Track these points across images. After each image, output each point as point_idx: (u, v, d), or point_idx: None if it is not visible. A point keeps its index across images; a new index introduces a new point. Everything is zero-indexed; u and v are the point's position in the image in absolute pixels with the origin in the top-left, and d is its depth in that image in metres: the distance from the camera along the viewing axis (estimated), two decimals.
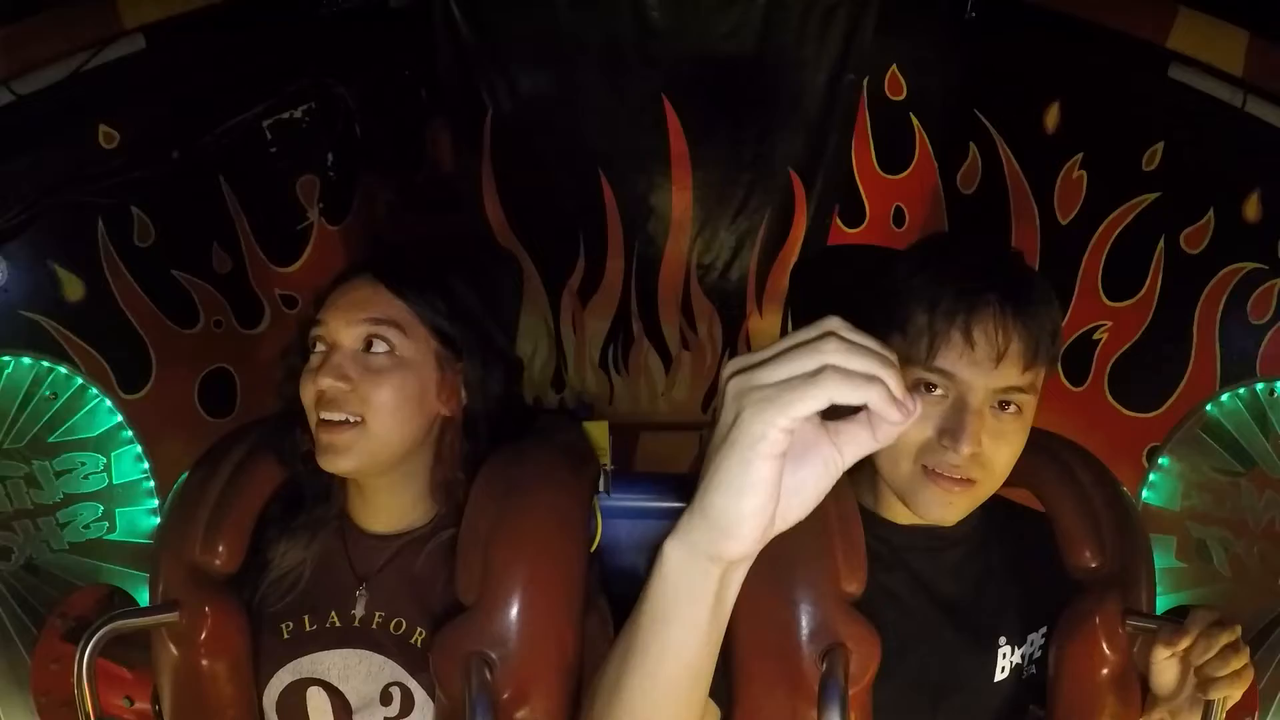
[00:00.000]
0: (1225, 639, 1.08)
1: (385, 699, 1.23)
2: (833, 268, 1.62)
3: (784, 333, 2.55)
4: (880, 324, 1.16)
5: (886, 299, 1.15)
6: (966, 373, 1.10)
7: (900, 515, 1.26)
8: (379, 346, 1.22)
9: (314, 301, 1.28)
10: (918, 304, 1.12)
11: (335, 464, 1.21)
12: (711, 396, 2.67)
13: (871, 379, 0.63)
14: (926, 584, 1.25)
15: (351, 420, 1.20)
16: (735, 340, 2.64)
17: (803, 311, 1.52)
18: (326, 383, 1.19)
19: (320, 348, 1.23)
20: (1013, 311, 1.10)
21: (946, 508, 1.16)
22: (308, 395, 1.21)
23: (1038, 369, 1.13)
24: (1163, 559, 1.83)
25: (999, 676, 1.25)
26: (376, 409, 1.21)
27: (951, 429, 1.11)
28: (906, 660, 1.17)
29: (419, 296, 1.26)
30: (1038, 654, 1.27)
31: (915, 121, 2.32)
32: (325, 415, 1.20)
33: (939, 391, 1.12)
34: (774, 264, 2.55)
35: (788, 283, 2.34)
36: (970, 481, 1.15)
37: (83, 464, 1.78)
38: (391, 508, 1.30)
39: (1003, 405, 1.13)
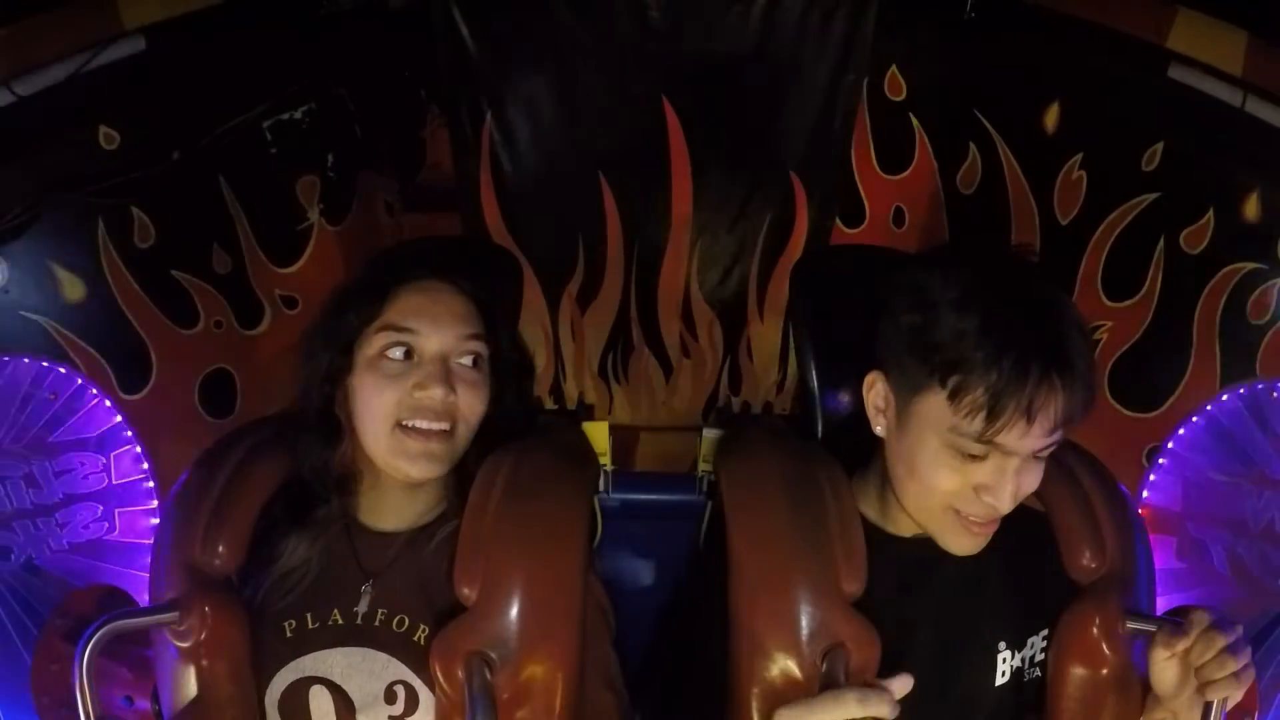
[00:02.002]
0: (1224, 641, 1.08)
1: (389, 697, 1.23)
2: (833, 269, 1.62)
3: (784, 340, 2.56)
4: (913, 368, 1.13)
5: (927, 348, 1.10)
6: (1017, 444, 1.10)
7: (904, 528, 1.26)
8: (478, 362, 1.28)
9: (368, 297, 1.28)
10: (975, 377, 1.06)
11: (425, 471, 1.25)
12: (712, 404, 2.66)
13: None
14: (926, 590, 1.25)
15: (447, 429, 1.24)
16: (736, 347, 2.63)
17: (804, 315, 1.52)
18: (440, 393, 1.22)
19: (415, 358, 1.25)
20: (1065, 383, 1.07)
21: (975, 544, 1.18)
22: (389, 400, 1.23)
23: None
24: (1163, 559, 1.82)
25: (999, 681, 1.25)
26: (467, 419, 1.26)
27: (993, 486, 1.11)
28: (906, 665, 1.17)
29: (492, 308, 1.32)
30: (1039, 656, 1.27)
31: (915, 122, 2.32)
32: (422, 423, 1.23)
33: (978, 453, 1.11)
34: (775, 268, 2.54)
35: (788, 287, 2.34)
36: (999, 518, 1.16)
37: (83, 464, 1.78)
38: (408, 506, 1.32)
39: (1038, 457, 1.14)
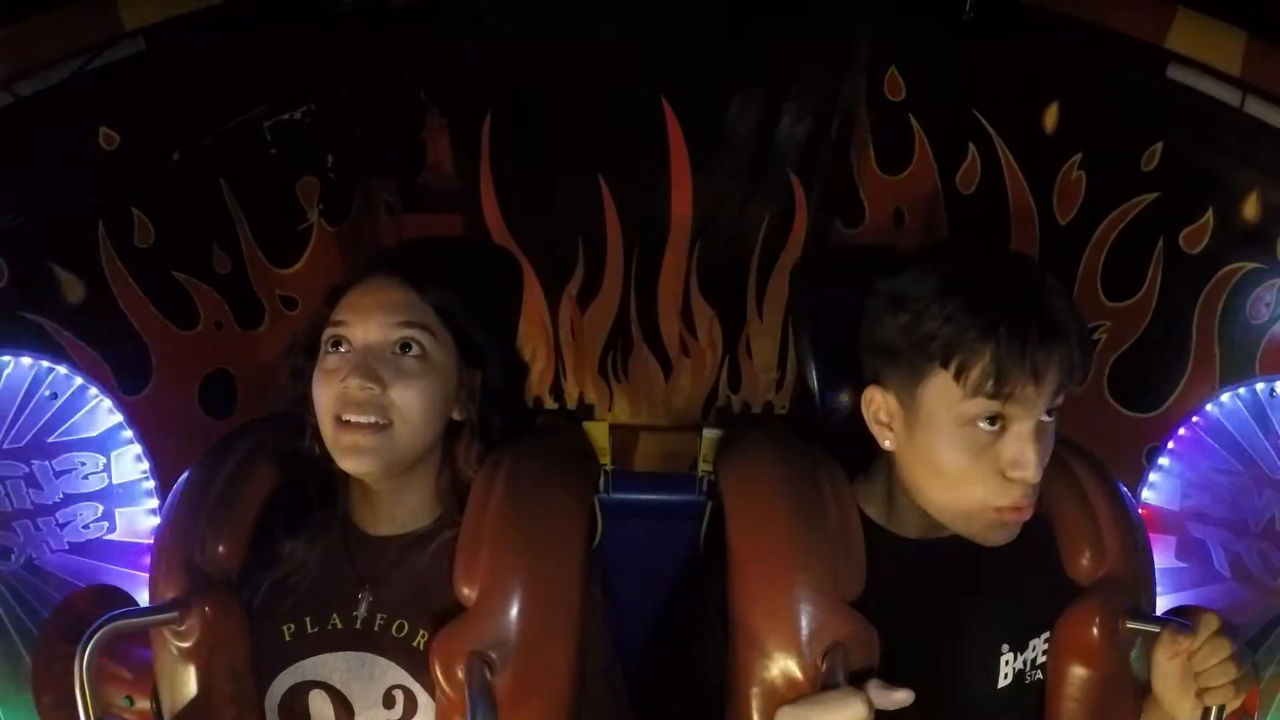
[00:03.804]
0: (1230, 648, 1.08)
1: (388, 702, 1.24)
2: (833, 269, 1.62)
3: (784, 339, 2.56)
4: (911, 362, 1.14)
5: (922, 340, 1.12)
6: (1031, 406, 1.11)
7: (909, 529, 1.26)
8: (412, 350, 1.22)
9: (327, 299, 1.28)
10: (975, 352, 1.09)
11: (358, 466, 1.21)
12: (711, 402, 2.66)
13: None
14: (928, 591, 1.25)
15: (379, 423, 1.20)
16: (735, 345, 2.63)
17: (803, 315, 1.52)
18: (356, 383, 1.19)
19: (343, 348, 1.23)
20: (1062, 338, 1.10)
21: (1009, 535, 1.18)
22: (327, 395, 1.21)
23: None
24: (1163, 559, 1.82)
25: (1002, 683, 1.25)
26: (405, 413, 1.21)
27: (1019, 458, 1.12)
28: (908, 668, 1.17)
29: (447, 301, 1.27)
30: (1041, 659, 1.27)
31: (914, 122, 2.32)
32: (351, 417, 1.20)
33: (994, 413, 1.12)
34: (774, 268, 2.54)
35: (788, 286, 2.34)
36: (1033, 501, 1.16)
37: (83, 464, 1.78)
38: (396, 510, 1.30)
39: (1049, 415, 1.14)
